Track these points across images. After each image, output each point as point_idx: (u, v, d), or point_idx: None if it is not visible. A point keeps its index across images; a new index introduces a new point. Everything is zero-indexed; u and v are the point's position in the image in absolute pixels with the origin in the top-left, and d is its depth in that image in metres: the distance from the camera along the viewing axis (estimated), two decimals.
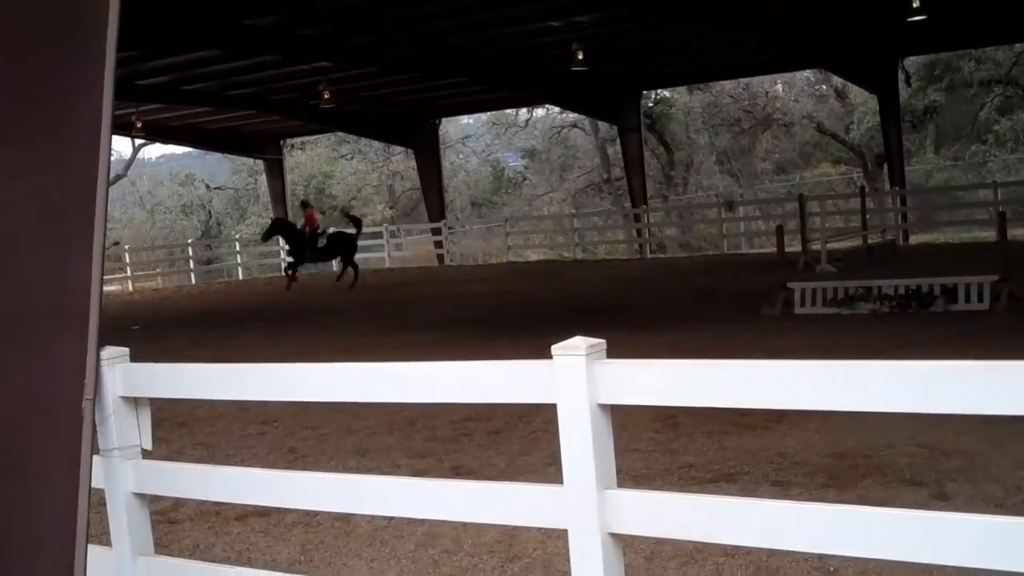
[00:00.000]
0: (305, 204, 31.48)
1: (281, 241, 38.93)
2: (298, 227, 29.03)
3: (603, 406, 3.67)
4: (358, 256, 29.10)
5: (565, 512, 3.75)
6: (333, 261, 30.92)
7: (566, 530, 3.80)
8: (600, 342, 3.69)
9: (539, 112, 53.13)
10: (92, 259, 4.53)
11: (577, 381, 3.64)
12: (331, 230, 29.75)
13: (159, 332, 19.70)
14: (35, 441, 4.58)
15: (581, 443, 3.67)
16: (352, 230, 28.95)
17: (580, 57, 25.84)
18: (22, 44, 4.64)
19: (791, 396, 3.45)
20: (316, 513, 7.16)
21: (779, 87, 49.48)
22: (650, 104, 46.92)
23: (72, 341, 4.55)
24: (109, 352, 4.80)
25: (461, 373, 4.19)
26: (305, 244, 28.09)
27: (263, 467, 7.31)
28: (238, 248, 42.44)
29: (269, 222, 31.12)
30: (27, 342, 4.54)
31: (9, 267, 4.53)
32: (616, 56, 28.57)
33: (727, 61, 31.38)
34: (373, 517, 6.94)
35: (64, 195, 4.54)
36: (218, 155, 52.97)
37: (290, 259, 29.75)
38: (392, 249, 37.19)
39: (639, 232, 35.03)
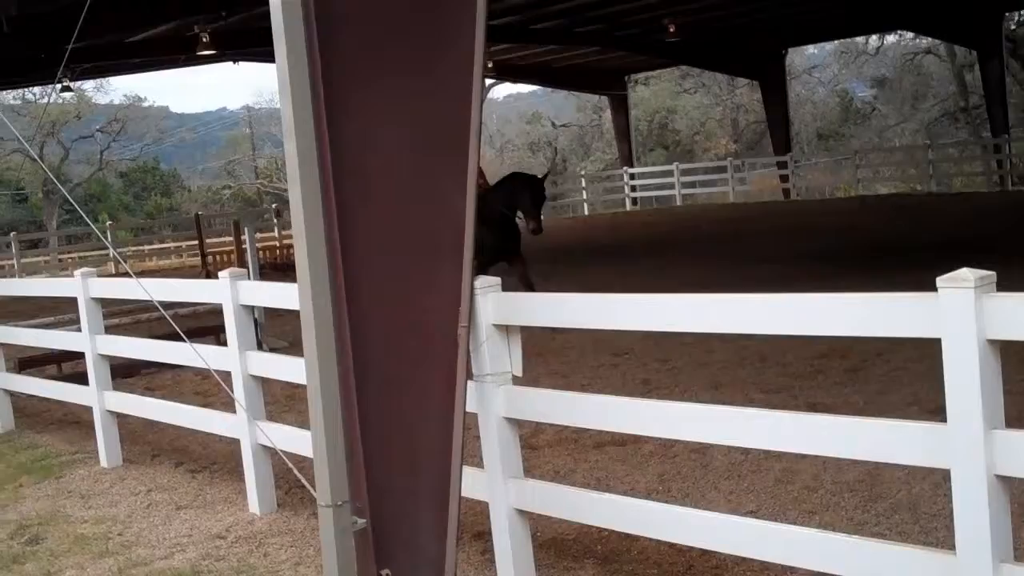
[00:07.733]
0: None
1: (626, 176, 39.48)
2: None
3: (992, 342, 3.50)
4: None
5: (948, 452, 3.61)
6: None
7: (946, 470, 3.66)
8: (990, 274, 3.51)
9: (890, 39, 50.85)
10: (466, 191, 4.69)
11: (965, 315, 3.47)
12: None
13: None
14: (415, 364, 4.82)
15: (969, 381, 3.51)
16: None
17: None
18: None
19: None
20: (672, 444, 7.22)
21: None
22: (1012, 27, 43.82)
23: (449, 270, 4.74)
24: (482, 281, 4.97)
25: (825, 305, 4.03)
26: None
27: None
28: (583, 184, 43.06)
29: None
30: (411, 271, 4.76)
31: (396, 199, 4.76)
32: None
33: None
34: (730, 450, 6.93)
35: (440, 130, 4.71)
36: (564, 93, 53.88)
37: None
38: (736, 184, 36.67)
39: (999, 163, 33.12)
